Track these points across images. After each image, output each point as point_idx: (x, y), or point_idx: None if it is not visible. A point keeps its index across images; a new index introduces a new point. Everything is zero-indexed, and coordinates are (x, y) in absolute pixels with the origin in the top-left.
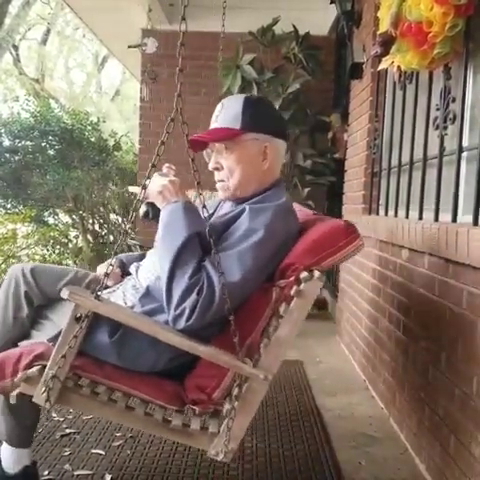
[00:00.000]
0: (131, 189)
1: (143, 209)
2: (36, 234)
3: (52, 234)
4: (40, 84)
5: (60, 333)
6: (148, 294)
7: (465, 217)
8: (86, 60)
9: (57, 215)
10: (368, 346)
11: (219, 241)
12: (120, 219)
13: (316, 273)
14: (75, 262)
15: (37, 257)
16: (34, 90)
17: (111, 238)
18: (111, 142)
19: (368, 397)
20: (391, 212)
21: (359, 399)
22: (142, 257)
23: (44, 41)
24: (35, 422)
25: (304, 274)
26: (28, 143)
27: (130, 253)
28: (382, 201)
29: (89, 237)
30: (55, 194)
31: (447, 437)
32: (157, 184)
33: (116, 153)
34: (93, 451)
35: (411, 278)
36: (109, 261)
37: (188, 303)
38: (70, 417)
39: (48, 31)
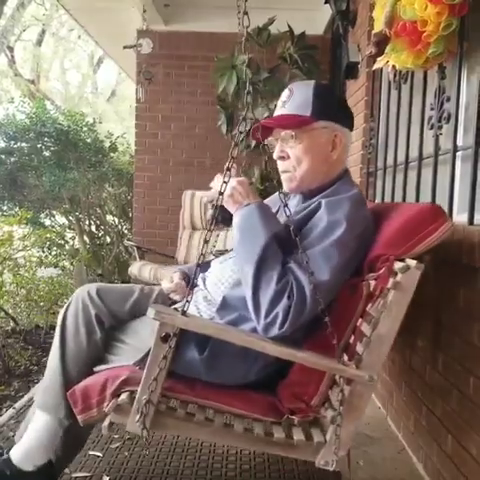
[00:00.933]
0: (200, 194)
1: (210, 213)
2: (32, 236)
3: (49, 236)
4: (35, 85)
5: (146, 355)
6: (226, 304)
7: (460, 216)
8: (81, 61)
9: (53, 217)
10: None
11: (299, 239)
12: (117, 220)
13: (412, 261)
14: (72, 263)
15: (34, 259)
16: (29, 91)
17: (108, 239)
18: (107, 143)
19: None
20: None
21: None
22: (207, 267)
23: (39, 42)
24: (74, 455)
25: (400, 264)
26: (24, 145)
27: (191, 264)
28: (378, 201)
29: (86, 238)
30: (51, 195)
31: (444, 436)
32: (226, 187)
33: (112, 154)
34: (91, 453)
35: None
36: (174, 274)
37: (280, 309)
38: None
39: (43, 32)
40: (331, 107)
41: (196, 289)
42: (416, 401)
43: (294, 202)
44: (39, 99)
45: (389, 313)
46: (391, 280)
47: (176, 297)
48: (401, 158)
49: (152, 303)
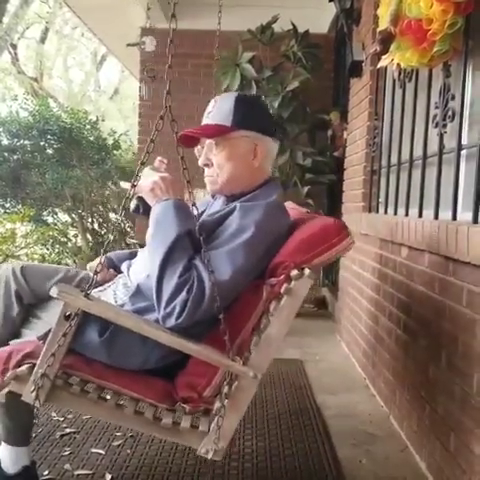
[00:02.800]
0: (122, 185)
1: (134, 203)
2: (35, 233)
3: (51, 233)
4: (38, 83)
5: (50, 331)
6: (139, 292)
7: (465, 214)
8: (85, 59)
9: (56, 214)
10: (368, 344)
11: (210, 239)
12: (119, 218)
13: (306, 271)
14: (74, 261)
15: (36, 256)
16: (32, 89)
17: (111, 237)
18: (110, 141)
19: (368, 395)
20: (391, 210)
21: (359, 397)
22: (134, 255)
23: (42, 40)
24: (30, 420)
25: (294, 272)
26: (27, 142)
27: (121, 251)
28: (382, 199)
29: (88, 236)
30: (54, 193)
31: (447, 435)
32: (148, 180)
33: (115, 152)
34: (93, 450)
35: (411, 276)
36: (98, 259)
37: (178, 301)
38: (70, 417)
39: (46, 30)
40: (252, 117)
41: (120, 275)
42: (419, 400)
43: (219, 203)
44: (42, 97)
45: (279, 316)
46: (285, 286)
47: (99, 279)
48: (405, 156)
49: (75, 285)
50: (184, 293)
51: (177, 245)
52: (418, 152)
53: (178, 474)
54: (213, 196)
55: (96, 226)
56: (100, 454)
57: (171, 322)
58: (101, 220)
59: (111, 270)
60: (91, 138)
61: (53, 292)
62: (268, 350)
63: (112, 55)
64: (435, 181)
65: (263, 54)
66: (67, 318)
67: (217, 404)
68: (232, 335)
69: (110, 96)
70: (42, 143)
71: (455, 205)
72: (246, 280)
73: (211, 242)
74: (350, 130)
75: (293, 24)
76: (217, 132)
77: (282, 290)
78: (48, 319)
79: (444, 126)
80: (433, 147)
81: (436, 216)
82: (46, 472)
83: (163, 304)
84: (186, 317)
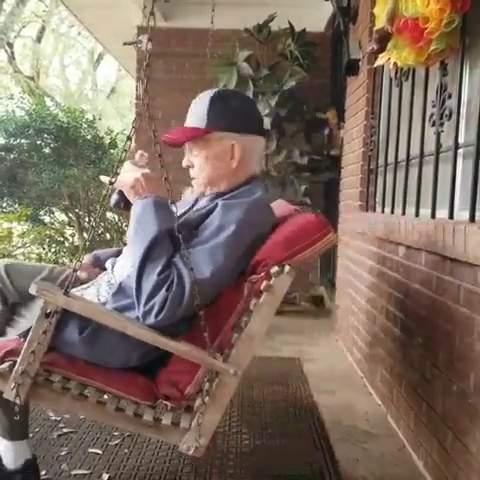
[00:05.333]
0: (103, 179)
1: (114, 198)
2: (32, 233)
3: (48, 233)
4: (35, 82)
5: (30, 329)
6: (121, 290)
7: (462, 213)
8: (81, 58)
9: (53, 213)
10: (365, 343)
11: (192, 236)
12: (117, 217)
13: (286, 268)
14: (71, 260)
15: (33, 256)
16: (29, 88)
17: (108, 236)
18: (107, 140)
19: (365, 394)
20: (388, 209)
21: (356, 396)
22: (119, 253)
23: (39, 39)
24: (25, 414)
25: (274, 269)
26: (23, 141)
27: (110, 249)
28: (379, 198)
29: (85, 235)
30: (51, 192)
31: (444, 433)
32: (130, 177)
33: (112, 151)
34: (90, 450)
35: (408, 275)
36: (79, 256)
37: (157, 299)
38: (67, 416)
39: (43, 29)
40: (227, 117)
41: (104, 272)
42: (416, 398)
43: (203, 201)
44: (39, 96)
45: (259, 313)
46: (264, 283)
47: (82, 275)
48: (402, 155)
49: (58, 284)
50: (163, 291)
51: (157, 243)
52: (415, 151)
53: (175, 473)
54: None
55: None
56: (97, 454)
57: (151, 320)
58: (98, 219)
59: (96, 269)
60: (88, 137)
61: (32, 289)
62: (249, 347)
63: (109, 54)
64: (432, 180)
65: (260, 53)
66: (47, 316)
67: (198, 401)
68: (213, 332)
69: (107, 95)
70: (39, 142)
71: (452, 204)
72: (227, 278)
73: (193, 239)
74: (347, 129)
75: (290, 23)
76: (191, 136)
77: (262, 287)
78: (31, 317)
79: (441, 125)
80: (430, 146)
81: (433, 215)
82: (43, 472)
83: (143, 302)
84: (166, 315)
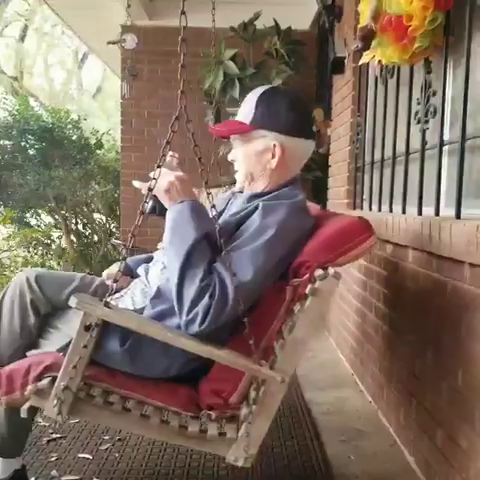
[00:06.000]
0: (137, 184)
1: (150, 205)
2: (17, 236)
3: (34, 235)
4: (19, 82)
5: (70, 343)
6: (159, 295)
7: (447, 210)
8: (66, 57)
9: (39, 216)
10: (356, 340)
11: (231, 239)
12: (104, 219)
13: (331, 270)
14: (59, 263)
15: (19, 259)
16: (13, 88)
17: (95, 238)
18: (93, 140)
19: (356, 391)
20: (375, 207)
21: (347, 393)
22: (150, 259)
23: (22, 38)
24: (28, 433)
25: (319, 272)
26: (7, 142)
27: (138, 256)
28: (366, 196)
29: (72, 237)
30: (36, 194)
31: (434, 430)
32: (164, 181)
33: (98, 151)
34: (80, 455)
35: (396, 272)
36: (116, 265)
37: (200, 307)
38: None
39: (26, 28)
40: (272, 116)
41: (136, 280)
42: (406, 395)
43: (239, 202)
44: (22, 96)
45: (305, 318)
46: (309, 286)
47: (108, 282)
48: (388, 153)
49: (91, 293)
50: (206, 298)
51: (195, 249)
52: (401, 148)
53: (167, 477)
54: (238, 192)
55: (80, 227)
56: (87, 459)
57: (194, 328)
58: (85, 221)
59: (126, 277)
60: (73, 137)
61: (72, 302)
62: (294, 353)
63: (93, 53)
64: (418, 177)
65: (246, 51)
66: (87, 328)
67: (245, 410)
68: (256, 339)
69: (93, 95)
70: (23, 143)
71: (438, 201)
72: (268, 281)
73: (232, 242)
74: (334, 127)
75: (275, 21)
76: (235, 130)
77: (307, 291)
78: (66, 329)
79: (426, 122)
80: (415, 143)
81: (420, 212)
82: (33, 479)
83: (185, 311)
84: (210, 322)
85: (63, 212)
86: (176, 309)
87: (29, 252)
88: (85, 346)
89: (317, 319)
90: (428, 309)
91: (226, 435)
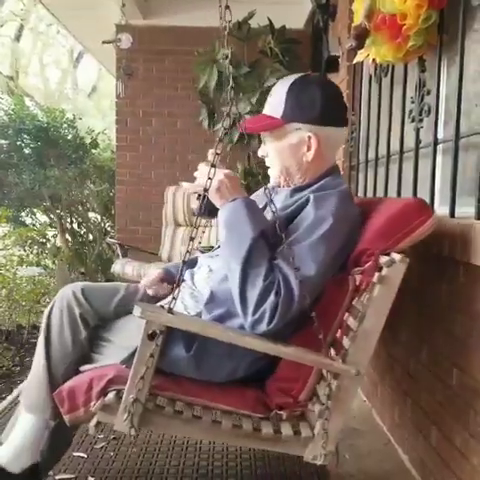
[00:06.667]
0: (186, 185)
1: (197, 205)
2: (13, 235)
3: (29, 234)
4: (14, 81)
5: (133, 354)
6: (213, 299)
7: (442, 208)
8: (61, 56)
9: (34, 215)
10: None
11: (286, 234)
12: (99, 218)
13: (397, 256)
14: (54, 262)
15: (14, 258)
16: (8, 88)
17: (90, 237)
18: (88, 139)
19: None
20: None
21: None
22: (194, 263)
23: (17, 38)
24: (68, 449)
25: (385, 259)
26: (2, 142)
27: (177, 262)
28: (360, 194)
29: (68, 236)
30: (31, 193)
31: (429, 428)
32: (214, 179)
33: (93, 150)
34: (75, 454)
35: None
36: (153, 272)
37: (267, 305)
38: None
39: (21, 27)
40: (305, 107)
41: (183, 285)
42: (400, 393)
43: (281, 196)
44: (18, 96)
45: (375, 307)
46: (376, 274)
47: (149, 291)
48: (382, 151)
49: (138, 301)
50: (272, 296)
51: (255, 248)
52: (395, 147)
53: (161, 476)
54: (273, 188)
55: (75, 226)
56: (82, 458)
57: (262, 328)
58: (80, 220)
59: (164, 284)
60: (68, 137)
61: (136, 312)
62: (366, 344)
63: (88, 53)
64: (412, 176)
65: (240, 50)
66: (150, 337)
67: (318, 407)
68: (323, 333)
69: (88, 94)
70: (18, 143)
71: (432, 199)
72: (329, 273)
73: (288, 237)
74: None
75: (269, 20)
76: (266, 126)
77: (374, 279)
78: (118, 341)
79: (420, 121)
80: (410, 142)
81: None
82: None
83: (251, 310)
84: (278, 320)
85: (58, 211)
86: (239, 310)
87: (25, 251)
88: (151, 355)
89: (386, 308)
90: (423, 308)
91: (301, 434)
